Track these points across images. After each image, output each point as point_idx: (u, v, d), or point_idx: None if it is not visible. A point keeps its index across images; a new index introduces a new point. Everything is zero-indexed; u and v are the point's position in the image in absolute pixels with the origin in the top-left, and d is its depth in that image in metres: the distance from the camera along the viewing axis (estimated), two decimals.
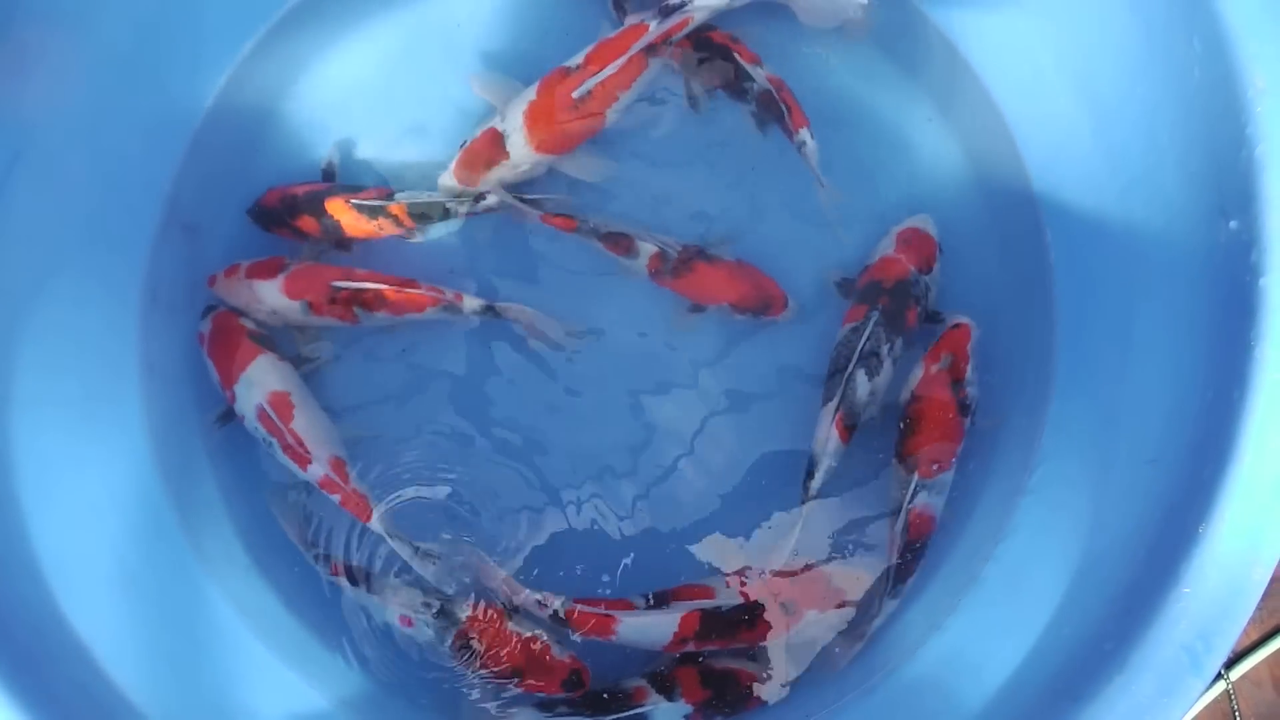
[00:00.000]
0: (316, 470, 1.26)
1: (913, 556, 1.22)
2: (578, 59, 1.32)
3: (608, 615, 1.20)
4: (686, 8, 1.30)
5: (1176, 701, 0.89)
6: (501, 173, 1.33)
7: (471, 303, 1.31)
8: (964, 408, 1.25)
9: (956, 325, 1.28)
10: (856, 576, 1.24)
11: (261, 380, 1.28)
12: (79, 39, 1.21)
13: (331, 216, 1.32)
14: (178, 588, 1.27)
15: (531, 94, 1.32)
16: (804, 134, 1.32)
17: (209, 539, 1.31)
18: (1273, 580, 0.90)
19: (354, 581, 1.26)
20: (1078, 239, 1.30)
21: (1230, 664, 1.39)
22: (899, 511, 1.22)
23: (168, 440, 1.32)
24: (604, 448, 1.34)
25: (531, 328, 1.33)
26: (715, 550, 1.28)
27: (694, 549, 1.29)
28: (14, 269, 1.17)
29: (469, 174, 1.33)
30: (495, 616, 1.24)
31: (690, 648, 1.21)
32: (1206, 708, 1.40)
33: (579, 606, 1.21)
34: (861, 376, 1.24)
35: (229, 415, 1.32)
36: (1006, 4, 1.32)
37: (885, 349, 1.26)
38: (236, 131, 1.41)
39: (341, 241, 1.35)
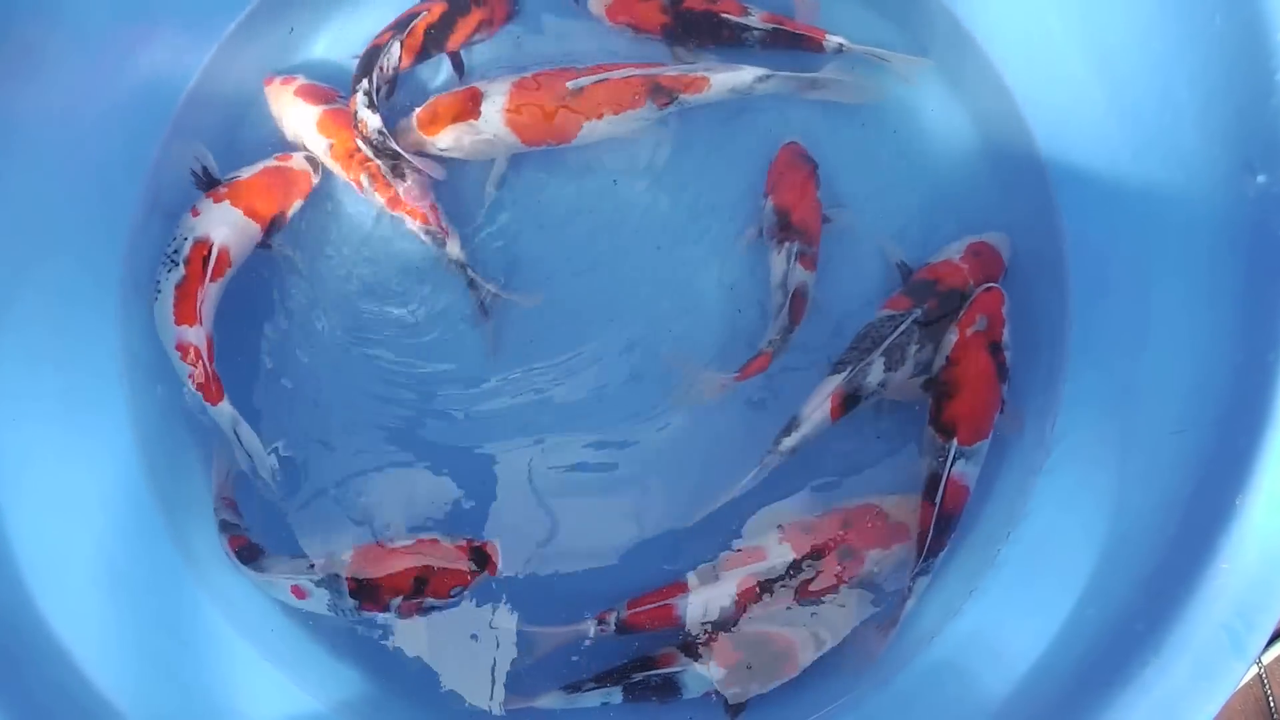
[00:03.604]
0: (189, 335, 1.24)
1: (945, 529, 1.18)
2: (586, 66, 1.31)
3: (666, 606, 1.19)
4: (710, 69, 1.30)
5: (1217, 685, 0.84)
6: (460, 133, 1.30)
7: (453, 247, 1.30)
8: (1002, 371, 1.21)
9: (988, 289, 1.23)
10: (912, 506, 1.21)
11: (236, 229, 1.28)
12: (55, 19, 1.17)
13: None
14: (164, 588, 1.24)
15: (528, 73, 1.31)
16: (831, 40, 1.32)
17: (197, 537, 1.28)
18: None
19: (244, 560, 1.23)
20: (1090, 204, 1.26)
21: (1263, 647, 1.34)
22: (936, 480, 1.17)
23: (153, 435, 1.29)
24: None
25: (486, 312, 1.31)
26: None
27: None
28: None
29: (432, 122, 1.31)
30: (377, 545, 1.22)
31: (758, 609, 1.19)
32: (1237, 694, 1.35)
33: (634, 610, 1.20)
34: (879, 364, 1.21)
35: (207, 180, 1.31)
36: None
37: (913, 349, 1.22)
38: (218, 115, 1.38)
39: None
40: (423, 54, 1.35)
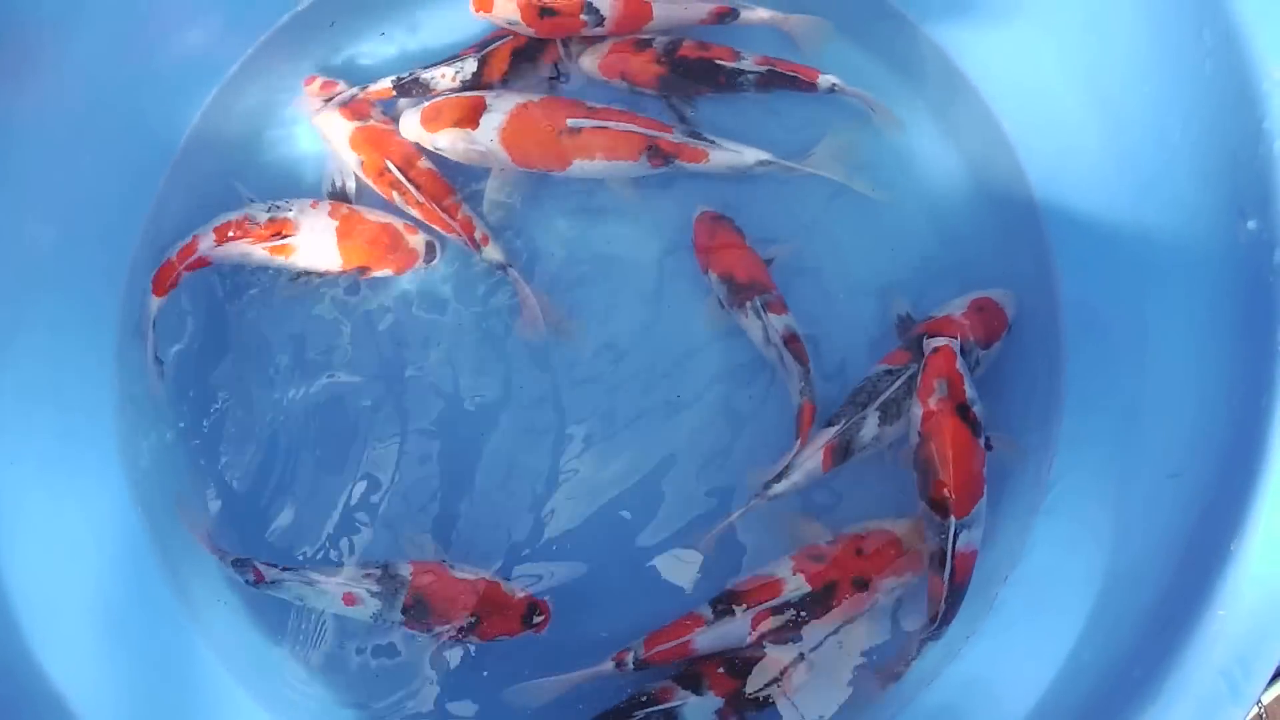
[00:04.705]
0: (206, 244, 1.29)
1: (957, 597, 1.16)
2: (597, 105, 1.31)
3: (684, 642, 1.18)
4: (712, 144, 1.30)
5: None
6: (456, 138, 1.30)
7: (492, 251, 1.31)
8: (976, 428, 1.18)
9: (936, 350, 1.19)
10: (921, 532, 1.19)
11: (319, 247, 1.30)
12: (55, 63, 1.19)
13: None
14: (158, 630, 1.23)
15: (536, 97, 1.32)
16: (824, 80, 1.32)
17: (193, 578, 1.27)
18: None
19: (284, 570, 1.22)
20: (1087, 247, 1.26)
21: None
22: (941, 558, 1.14)
23: (148, 475, 1.29)
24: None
25: (529, 309, 1.30)
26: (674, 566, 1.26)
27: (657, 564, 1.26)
28: None
29: (434, 119, 1.31)
30: (438, 567, 1.21)
31: (772, 640, 1.19)
32: None
33: (652, 648, 1.18)
34: (874, 419, 1.21)
35: (340, 194, 1.36)
36: (1002, 10, 1.29)
37: (909, 403, 1.21)
38: (217, 158, 1.38)
39: None
40: (511, 74, 1.36)
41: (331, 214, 1.31)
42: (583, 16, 1.31)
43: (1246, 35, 0.95)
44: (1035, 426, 1.27)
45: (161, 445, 1.30)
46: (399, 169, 1.31)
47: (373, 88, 1.35)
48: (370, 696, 1.25)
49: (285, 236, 1.29)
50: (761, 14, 1.34)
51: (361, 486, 1.30)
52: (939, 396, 1.16)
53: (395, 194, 1.32)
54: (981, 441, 1.17)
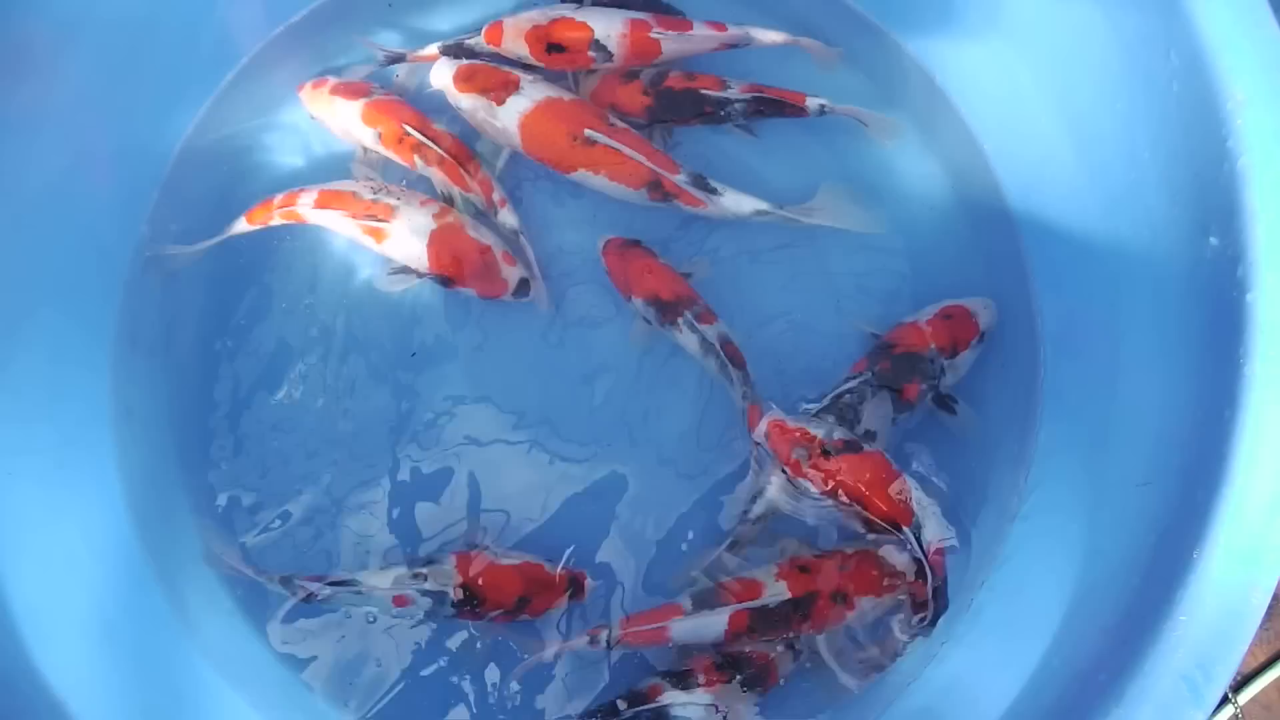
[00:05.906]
0: (309, 198, 1.32)
1: (942, 591, 1.17)
2: (618, 122, 1.33)
3: (659, 628, 1.20)
4: (715, 192, 1.30)
5: None
6: (478, 105, 1.33)
7: (508, 216, 1.33)
8: (853, 447, 1.19)
9: (765, 432, 1.20)
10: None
11: (410, 242, 1.29)
12: (45, 77, 1.20)
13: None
14: (156, 641, 1.24)
15: (569, 96, 1.34)
16: (813, 102, 1.33)
17: (189, 589, 1.28)
18: (1278, 599, 0.88)
19: (333, 585, 1.23)
20: (1062, 260, 1.28)
21: (1238, 687, 1.36)
22: (917, 568, 1.17)
23: (146, 487, 1.30)
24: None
25: (536, 278, 1.32)
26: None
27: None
28: None
29: (466, 80, 1.34)
30: (481, 557, 1.23)
31: (745, 641, 1.20)
32: None
33: (628, 628, 1.20)
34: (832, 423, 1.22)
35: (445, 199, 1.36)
36: (981, 29, 1.31)
37: (866, 409, 1.23)
38: (212, 170, 1.40)
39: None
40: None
41: (435, 216, 1.31)
42: (590, 53, 1.32)
43: (1211, 58, 0.97)
44: (1013, 434, 1.29)
45: (158, 457, 1.32)
46: (418, 130, 1.32)
47: (421, 52, 1.38)
48: (365, 702, 1.26)
49: (380, 220, 1.29)
50: (775, 36, 1.34)
51: (365, 490, 1.31)
52: (804, 460, 1.18)
53: (417, 158, 1.33)
54: (876, 446, 1.19)
